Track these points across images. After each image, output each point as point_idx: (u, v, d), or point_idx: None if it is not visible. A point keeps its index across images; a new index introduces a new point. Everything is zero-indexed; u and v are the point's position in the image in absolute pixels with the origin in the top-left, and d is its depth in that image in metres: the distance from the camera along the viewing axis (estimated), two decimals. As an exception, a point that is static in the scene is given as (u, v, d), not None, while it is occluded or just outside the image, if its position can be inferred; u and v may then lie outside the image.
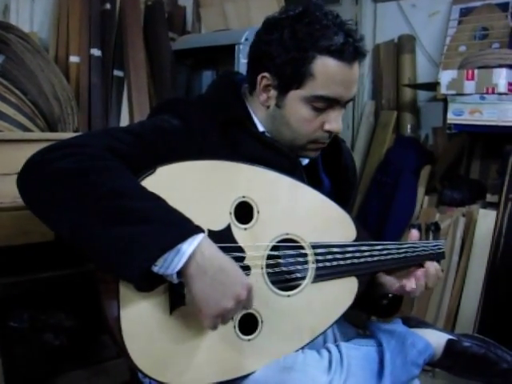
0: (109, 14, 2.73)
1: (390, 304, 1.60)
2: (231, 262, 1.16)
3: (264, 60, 1.39)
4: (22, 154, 1.19)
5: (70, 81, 2.55)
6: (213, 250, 1.14)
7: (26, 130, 2.13)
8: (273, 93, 1.41)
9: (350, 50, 1.34)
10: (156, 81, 2.87)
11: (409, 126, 3.56)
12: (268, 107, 1.43)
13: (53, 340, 1.95)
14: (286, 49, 1.35)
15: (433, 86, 3.12)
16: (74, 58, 2.61)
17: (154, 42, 2.89)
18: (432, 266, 1.50)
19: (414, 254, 1.50)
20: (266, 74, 1.40)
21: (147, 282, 1.11)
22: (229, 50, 2.62)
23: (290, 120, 1.40)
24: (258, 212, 1.30)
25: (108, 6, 2.73)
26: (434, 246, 1.57)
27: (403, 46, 3.58)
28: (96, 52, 2.65)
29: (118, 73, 2.71)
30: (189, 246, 1.10)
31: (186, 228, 1.12)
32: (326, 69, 1.34)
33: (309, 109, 1.38)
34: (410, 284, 1.45)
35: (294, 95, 1.38)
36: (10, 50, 2.29)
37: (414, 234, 1.56)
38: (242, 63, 2.55)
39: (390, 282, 1.51)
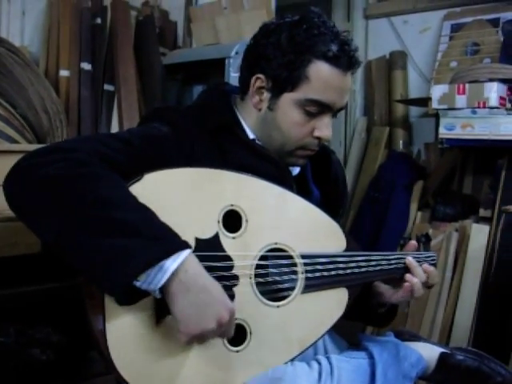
0: (99, 28, 2.73)
1: (387, 312, 1.59)
2: (215, 283, 1.15)
3: (260, 62, 1.40)
4: (8, 166, 1.16)
5: (59, 94, 2.54)
6: (197, 268, 1.12)
7: (15, 142, 2.12)
8: (266, 95, 1.41)
9: (345, 59, 1.37)
10: (146, 95, 2.86)
11: (401, 142, 3.55)
12: (260, 110, 1.43)
13: (39, 355, 1.91)
14: (283, 51, 1.36)
15: (425, 101, 3.12)
16: (64, 72, 2.61)
17: (145, 56, 2.89)
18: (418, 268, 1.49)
19: (403, 265, 1.49)
20: (260, 76, 1.40)
21: (129, 297, 1.09)
22: (219, 64, 2.63)
23: (281, 123, 1.40)
24: (247, 221, 1.28)
25: (98, 20, 2.74)
26: (425, 256, 1.56)
27: (395, 62, 3.58)
28: (86, 66, 2.65)
29: (108, 87, 2.71)
30: (172, 263, 1.08)
31: (171, 244, 1.10)
32: (321, 73, 1.36)
33: (301, 113, 1.38)
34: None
35: (288, 98, 1.38)
36: (0, 64, 2.28)
37: (412, 244, 1.55)
38: (232, 77, 2.55)
39: (388, 291, 1.51)
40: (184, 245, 1.11)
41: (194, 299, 1.10)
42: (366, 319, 1.67)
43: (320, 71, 1.36)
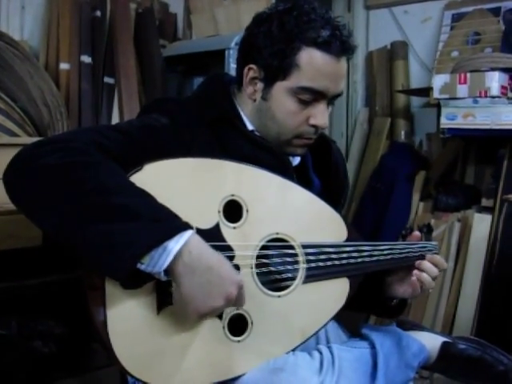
0: (99, 21, 2.72)
1: (399, 304, 1.59)
2: (221, 260, 1.14)
3: (251, 52, 1.39)
4: (8, 159, 1.16)
5: (60, 88, 2.53)
6: (201, 247, 1.12)
7: (15, 135, 2.12)
8: (259, 85, 1.40)
9: (336, 44, 1.34)
10: (147, 88, 2.85)
11: (403, 133, 3.55)
12: (254, 100, 1.42)
13: (42, 347, 1.91)
14: (273, 40, 1.35)
15: (426, 91, 3.12)
16: (64, 65, 2.60)
17: (145, 49, 2.88)
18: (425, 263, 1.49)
19: (403, 255, 1.48)
20: (252, 66, 1.39)
21: (133, 280, 1.09)
22: (219, 56, 2.62)
23: (275, 113, 1.39)
24: (247, 211, 1.28)
25: (98, 13, 2.72)
26: (426, 246, 1.55)
27: (396, 52, 3.57)
28: (86, 59, 2.64)
29: (108, 80, 2.69)
30: (176, 244, 1.08)
31: (173, 225, 1.10)
32: (311, 60, 1.34)
33: (294, 101, 1.37)
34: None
35: (280, 87, 1.37)
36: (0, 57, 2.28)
37: (415, 235, 1.54)
38: (232, 68, 2.55)
39: (396, 285, 1.52)
40: (186, 226, 1.11)
41: (199, 280, 1.10)
42: (377, 311, 1.68)
43: (311, 58, 1.34)
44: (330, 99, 1.41)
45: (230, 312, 1.23)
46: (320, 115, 1.39)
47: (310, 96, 1.36)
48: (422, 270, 1.47)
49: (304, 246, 1.34)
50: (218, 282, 1.12)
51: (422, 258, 1.50)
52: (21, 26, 2.69)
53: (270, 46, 1.35)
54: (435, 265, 1.49)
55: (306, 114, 1.39)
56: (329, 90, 1.37)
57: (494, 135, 2.66)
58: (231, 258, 1.23)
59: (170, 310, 1.17)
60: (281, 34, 1.34)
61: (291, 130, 1.40)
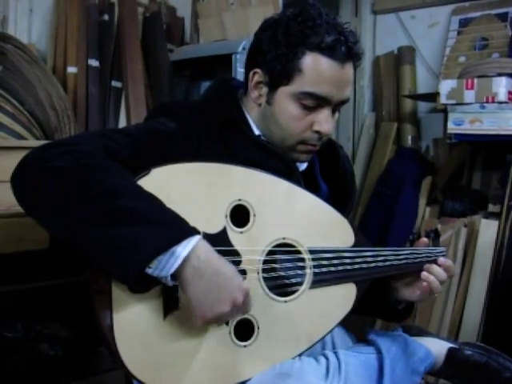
0: (107, 24, 2.72)
1: (406, 308, 1.59)
2: (228, 265, 1.14)
3: (257, 56, 1.40)
4: (16, 162, 1.17)
5: (67, 91, 2.53)
6: (209, 252, 1.12)
7: (22, 139, 2.12)
8: (264, 90, 1.41)
9: (341, 49, 1.33)
10: (154, 92, 2.85)
11: (409, 138, 3.54)
12: (260, 105, 1.43)
13: (48, 351, 1.92)
14: (277, 45, 1.35)
15: (433, 96, 3.11)
16: (71, 69, 2.60)
17: (152, 53, 2.88)
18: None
19: (412, 260, 1.48)
20: (257, 70, 1.40)
21: (141, 284, 1.09)
22: (226, 60, 2.62)
23: (279, 117, 1.39)
24: (255, 215, 1.28)
25: (106, 17, 2.72)
26: (434, 252, 1.55)
27: (403, 57, 3.57)
28: (94, 63, 2.64)
29: (115, 83, 2.69)
30: (183, 249, 1.08)
31: (181, 230, 1.10)
32: (315, 65, 1.33)
33: (297, 106, 1.37)
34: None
35: (283, 91, 1.37)
36: (7, 60, 2.29)
37: (422, 241, 1.54)
38: (239, 72, 2.54)
39: (404, 289, 1.51)
40: (193, 231, 1.11)
41: (207, 285, 1.10)
42: (384, 315, 1.68)
43: (314, 63, 1.33)
44: (335, 106, 1.40)
45: (237, 317, 1.23)
46: (324, 122, 1.38)
47: (313, 101, 1.36)
48: (430, 273, 1.46)
49: (311, 251, 1.34)
50: (225, 287, 1.12)
51: (433, 262, 1.50)
52: (29, 29, 2.69)
53: (274, 51, 1.35)
54: (446, 269, 1.49)
55: (310, 120, 1.38)
56: (333, 96, 1.36)
57: (501, 141, 2.65)
58: (238, 263, 1.24)
59: (177, 314, 1.17)
60: (284, 39, 1.34)
61: (294, 135, 1.40)
